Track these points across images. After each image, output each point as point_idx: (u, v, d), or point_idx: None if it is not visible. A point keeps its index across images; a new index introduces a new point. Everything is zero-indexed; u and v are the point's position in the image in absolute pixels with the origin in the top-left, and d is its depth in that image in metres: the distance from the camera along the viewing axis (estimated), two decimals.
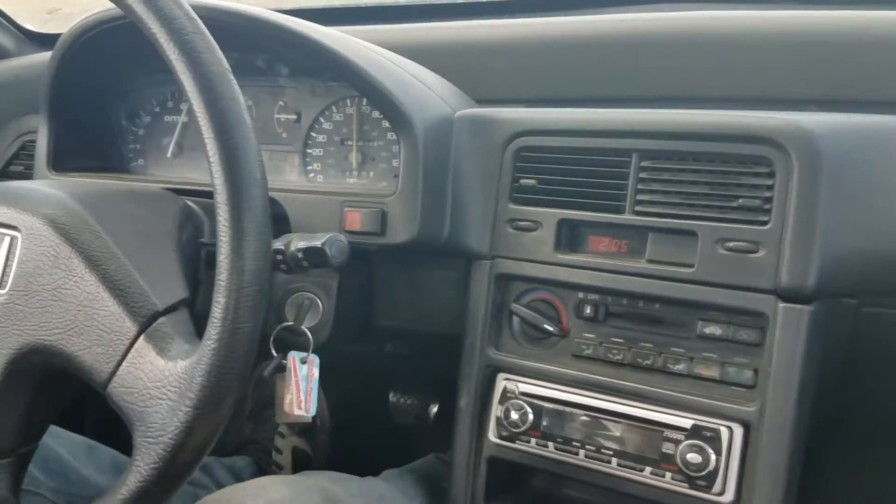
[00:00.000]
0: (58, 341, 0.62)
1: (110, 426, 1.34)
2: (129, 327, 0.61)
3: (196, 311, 0.69)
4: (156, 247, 0.70)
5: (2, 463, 0.65)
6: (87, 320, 0.62)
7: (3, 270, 0.66)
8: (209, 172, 0.59)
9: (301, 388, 0.84)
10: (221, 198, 0.58)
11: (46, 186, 0.72)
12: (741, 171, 0.79)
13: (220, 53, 0.61)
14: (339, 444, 1.44)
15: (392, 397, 1.53)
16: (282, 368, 0.85)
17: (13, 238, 0.66)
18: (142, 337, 0.61)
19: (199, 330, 0.64)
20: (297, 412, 0.84)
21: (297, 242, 0.73)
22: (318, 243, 0.72)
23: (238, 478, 1.20)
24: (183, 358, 0.60)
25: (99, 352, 0.61)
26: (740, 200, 0.78)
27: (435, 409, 1.53)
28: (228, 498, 0.77)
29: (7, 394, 0.64)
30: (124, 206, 0.73)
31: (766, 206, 0.77)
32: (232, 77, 0.61)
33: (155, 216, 0.73)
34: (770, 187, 0.77)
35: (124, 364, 0.60)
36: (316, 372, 0.86)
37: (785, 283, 0.76)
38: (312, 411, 0.85)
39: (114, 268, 0.64)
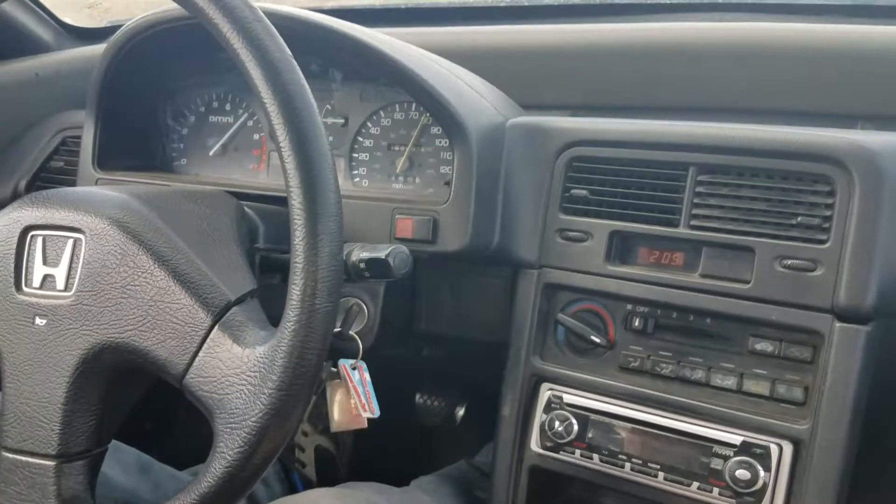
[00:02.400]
0: (130, 338, 0.63)
1: (134, 424, 1.36)
2: (203, 318, 0.61)
3: None
4: (219, 242, 0.70)
5: (77, 464, 0.66)
6: (159, 315, 0.62)
7: (69, 273, 0.66)
8: (280, 161, 0.59)
9: (360, 392, 0.84)
10: (294, 181, 0.58)
11: (104, 189, 0.72)
12: (801, 189, 0.78)
13: (283, 43, 0.61)
14: (362, 443, 1.44)
15: (419, 398, 1.53)
16: (333, 376, 0.85)
17: (77, 241, 0.66)
18: (216, 327, 0.61)
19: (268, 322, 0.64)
20: (364, 415, 0.84)
21: (360, 253, 0.73)
22: (382, 255, 0.72)
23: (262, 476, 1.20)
24: (260, 344, 0.60)
25: (173, 345, 0.61)
26: (799, 218, 0.78)
27: (462, 411, 1.53)
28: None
29: (80, 395, 0.65)
30: (184, 204, 0.73)
31: (826, 225, 0.77)
32: (296, 64, 0.61)
33: (214, 214, 0.73)
34: (830, 206, 0.77)
35: (200, 354, 0.61)
36: (367, 376, 0.86)
37: (843, 302, 0.76)
38: (377, 412, 0.86)
39: (183, 262, 0.64)
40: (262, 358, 0.58)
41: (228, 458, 0.58)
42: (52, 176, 1.27)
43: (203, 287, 0.63)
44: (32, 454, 0.65)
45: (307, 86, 0.61)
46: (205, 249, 0.67)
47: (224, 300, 0.63)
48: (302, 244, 0.58)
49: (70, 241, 0.67)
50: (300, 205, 0.58)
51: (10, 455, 0.66)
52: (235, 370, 0.59)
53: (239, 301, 0.64)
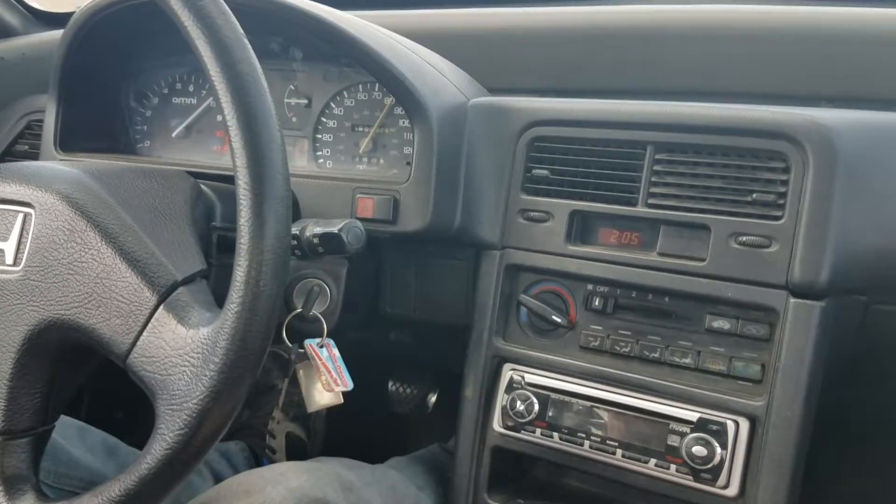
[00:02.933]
0: (76, 315, 0.62)
1: (105, 412, 1.35)
2: (149, 297, 0.61)
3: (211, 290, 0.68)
4: (171, 221, 0.69)
5: (20, 442, 0.65)
6: (104, 293, 0.62)
7: (18, 247, 0.65)
8: (227, 139, 0.59)
9: (330, 368, 0.83)
10: (241, 161, 0.57)
11: (57, 164, 0.71)
12: (756, 166, 0.79)
13: (235, 22, 0.60)
14: (334, 430, 1.44)
15: (391, 386, 1.53)
16: (302, 357, 0.84)
17: (27, 215, 0.66)
18: (161, 306, 0.60)
19: (219, 303, 0.64)
20: (336, 389, 0.84)
21: (314, 228, 0.73)
22: (334, 229, 0.72)
23: (231, 462, 1.19)
24: (205, 325, 0.59)
25: (118, 323, 0.61)
26: (754, 195, 0.78)
27: (433, 398, 1.53)
28: (248, 484, 0.77)
29: (26, 371, 0.64)
30: (137, 182, 0.72)
31: (781, 202, 0.77)
32: (247, 44, 0.60)
33: (168, 192, 0.73)
34: (785, 182, 0.77)
35: (144, 334, 0.60)
36: (336, 352, 0.86)
37: (797, 278, 0.76)
38: (350, 384, 0.85)
39: (130, 240, 0.63)
40: (205, 339, 0.58)
41: (168, 440, 0.57)
42: (17, 159, 1.25)
43: (150, 266, 0.62)
44: None
45: (258, 65, 0.60)
46: (155, 228, 0.67)
47: (171, 280, 0.62)
48: (247, 225, 0.57)
49: (20, 216, 0.66)
50: (245, 185, 0.57)
51: None
52: (179, 351, 0.58)
53: (186, 281, 0.63)
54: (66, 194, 0.65)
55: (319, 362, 0.87)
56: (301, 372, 0.88)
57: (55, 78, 1.03)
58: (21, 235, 0.65)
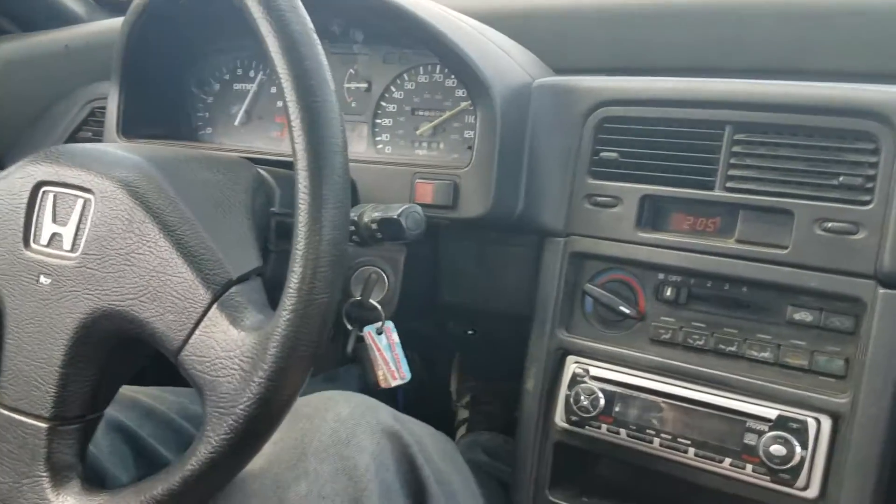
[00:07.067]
0: (130, 307, 0.61)
1: None
2: (203, 295, 0.60)
3: (266, 280, 0.67)
4: (230, 214, 0.68)
5: (69, 429, 0.64)
6: (160, 287, 0.61)
7: (76, 234, 0.64)
8: (289, 138, 0.57)
9: (388, 359, 0.82)
10: (301, 164, 0.56)
11: (121, 150, 0.70)
12: (842, 147, 0.74)
13: (306, 16, 0.58)
14: None
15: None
16: (360, 340, 0.83)
17: (86, 201, 0.65)
18: (215, 305, 0.59)
19: (271, 300, 0.62)
20: (393, 383, 0.82)
21: (372, 213, 0.70)
22: (393, 214, 0.70)
23: None
24: (256, 328, 0.58)
25: (171, 319, 0.60)
26: (841, 178, 0.74)
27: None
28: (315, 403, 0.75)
29: (78, 359, 0.63)
30: (199, 171, 0.71)
31: (869, 185, 0.73)
32: (317, 40, 0.58)
33: (229, 183, 0.71)
34: (874, 165, 0.72)
35: (197, 332, 0.59)
36: (395, 336, 0.84)
37: (887, 267, 0.71)
38: (408, 375, 0.84)
39: (188, 234, 0.62)
40: (255, 344, 0.57)
41: (213, 443, 0.57)
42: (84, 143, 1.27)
43: (206, 262, 0.61)
44: (27, 414, 0.64)
45: (325, 62, 0.58)
46: (213, 221, 0.65)
47: (225, 278, 0.61)
48: (304, 230, 0.56)
49: (80, 201, 0.65)
50: (305, 189, 0.56)
51: (6, 412, 0.65)
52: (229, 353, 0.57)
53: (240, 280, 0.62)
54: (126, 182, 0.64)
55: (378, 353, 0.85)
56: (364, 356, 0.86)
57: (117, 65, 1.02)
58: (80, 221, 0.65)
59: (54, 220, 0.66)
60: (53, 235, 0.65)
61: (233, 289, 0.61)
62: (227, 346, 0.58)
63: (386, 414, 0.76)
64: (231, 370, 0.57)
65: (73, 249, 0.64)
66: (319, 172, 0.56)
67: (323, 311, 0.56)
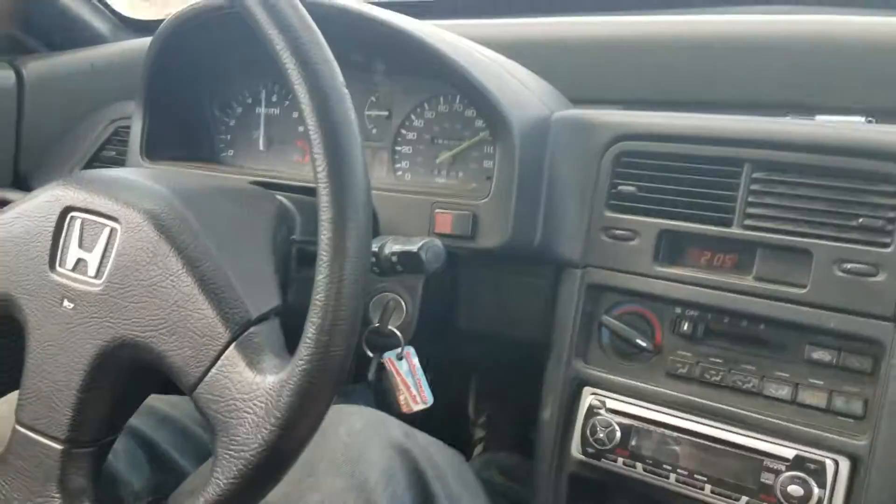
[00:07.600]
0: (149, 339, 0.62)
1: None
2: (222, 333, 0.60)
3: (287, 306, 0.68)
4: (253, 249, 0.69)
5: (83, 452, 0.65)
6: (180, 321, 0.61)
7: (101, 261, 0.65)
8: (313, 173, 0.57)
9: (410, 384, 0.82)
10: (326, 216, 0.56)
11: (148, 179, 0.71)
12: (863, 189, 0.74)
13: (331, 58, 0.59)
14: None
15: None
16: (381, 367, 0.83)
17: (113, 230, 0.66)
18: (233, 345, 0.60)
19: (288, 335, 0.63)
20: (415, 408, 0.83)
21: (392, 246, 0.71)
22: (413, 248, 0.70)
23: None
24: (272, 373, 0.58)
25: (189, 354, 0.60)
26: (861, 220, 0.73)
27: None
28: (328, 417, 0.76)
29: (94, 385, 0.64)
30: (224, 204, 0.71)
31: (889, 228, 0.72)
32: (339, 74, 0.59)
33: (253, 216, 0.72)
34: (894, 207, 0.72)
35: (213, 370, 0.59)
36: (416, 361, 0.84)
37: None
38: (430, 399, 0.84)
39: (211, 270, 0.63)
40: (270, 390, 0.57)
41: (221, 485, 0.57)
42: (104, 165, 1.28)
43: (226, 300, 0.62)
44: (43, 434, 0.65)
45: (348, 99, 0.58)
46: (236, 256, 0.66)
47: (245, 317, 0.61)
48: (324, 282, 0.56)
49: (107, 230, 0.66)
50: (327, 241, 0.56)
51: (22, 430, 0.66)
52: (243, 396, 0.58)
53: (259, 320, 0.62)
54: (152, 214, 0.65)
55: (399, 379, 0.85)
56: (388, 382, 0.87)
57: (143, 86, 1.04)
58: (106, 249, 0.66)
59: (80, 246, 0.67)
60: (79, 261, 0.66)
61: (251, 329, 0.61)
62: (242, 388, 0.58)
63: (396, 429, 0.77)
64: (244, 413, 0.57)
65: (97, 276, 0.65)
66: (342, 225, 0.56)
67: (338, 364, 0.56)
